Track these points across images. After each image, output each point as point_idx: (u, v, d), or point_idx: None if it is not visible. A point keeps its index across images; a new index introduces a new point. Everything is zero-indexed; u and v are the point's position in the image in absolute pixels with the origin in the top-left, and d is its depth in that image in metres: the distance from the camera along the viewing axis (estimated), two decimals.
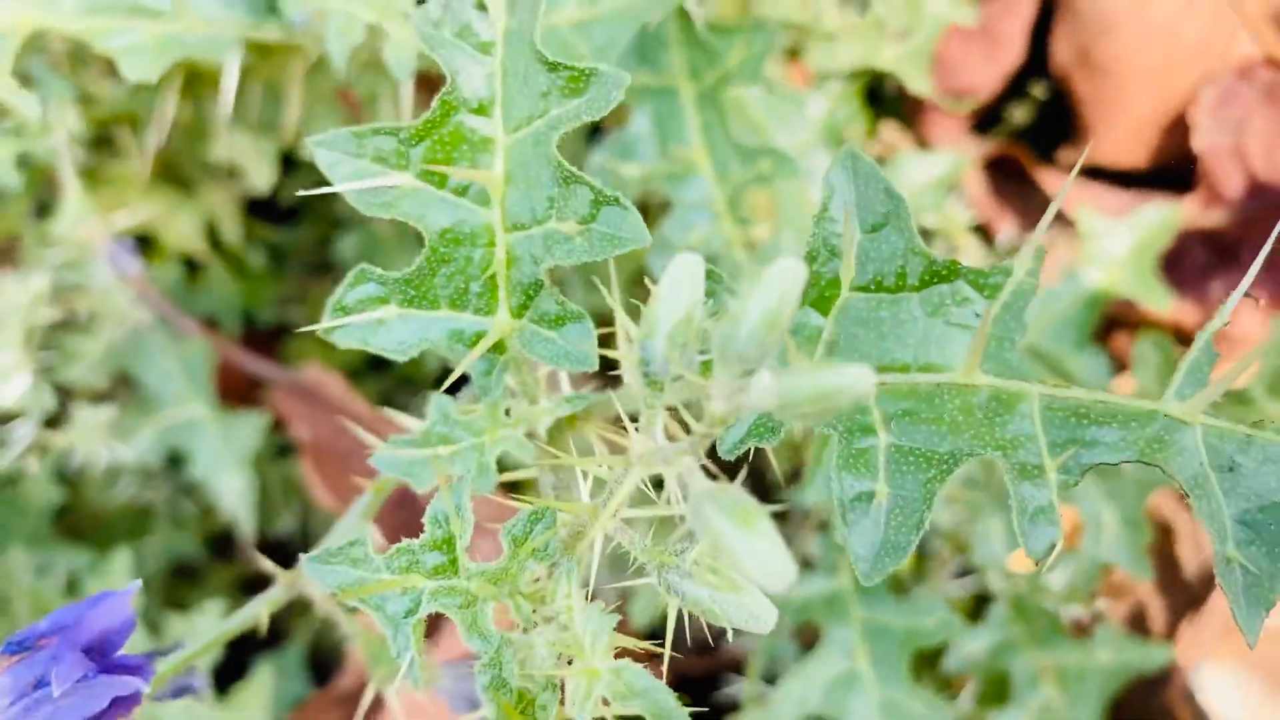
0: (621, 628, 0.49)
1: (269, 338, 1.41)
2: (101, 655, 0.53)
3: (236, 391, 1.28)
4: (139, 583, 0.56)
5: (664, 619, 0.48)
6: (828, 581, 0.95)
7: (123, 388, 1.25)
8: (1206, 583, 1.21)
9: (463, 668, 0.70)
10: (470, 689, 0.70)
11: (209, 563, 1.42)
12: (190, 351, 1.15)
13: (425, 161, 0.54)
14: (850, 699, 0.92)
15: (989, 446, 0.51)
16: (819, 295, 0.54)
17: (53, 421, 1.10)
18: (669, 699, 0.44)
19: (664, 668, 0.46)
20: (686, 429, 0.48)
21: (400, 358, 0.56)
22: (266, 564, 0.66)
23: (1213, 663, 1.12)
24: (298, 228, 1.42)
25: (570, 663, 0.47)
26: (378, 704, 0.77)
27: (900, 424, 0.52)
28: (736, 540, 0.37)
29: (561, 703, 0.48)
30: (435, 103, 0.54)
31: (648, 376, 0.42)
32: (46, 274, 1.04)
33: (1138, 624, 1.25)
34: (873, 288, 0.54)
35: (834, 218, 0.54)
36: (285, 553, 1.39)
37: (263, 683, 1.09)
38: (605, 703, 0.46)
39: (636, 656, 0.48)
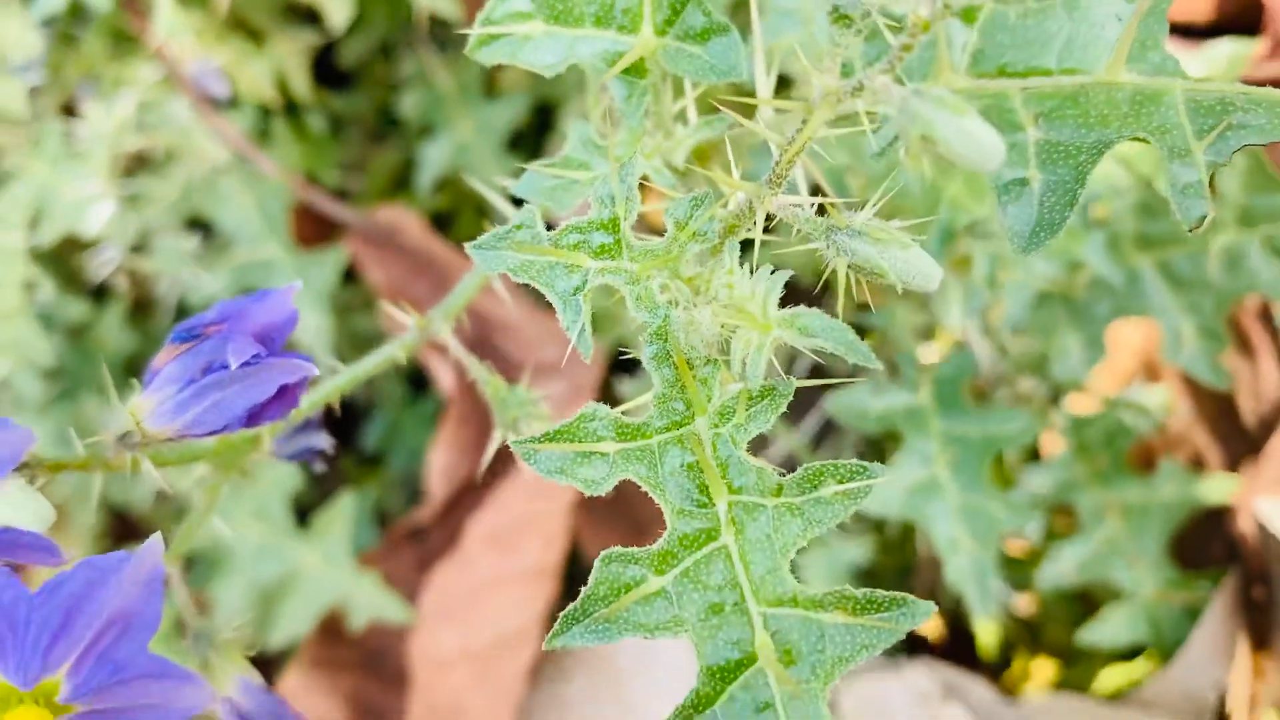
0: None
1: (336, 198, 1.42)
2: (266, 349, 0.55)
3: (309, 238, 1.29)
4: (300, 283, 0.57)
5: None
6: (910, 395, 0.96)
7: (199, 230, 1.27)
8: (1265, 430, 1.23)
9: None
10: None
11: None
12: (266, 192, 1.16)
13: None
14: (930, 504, 0.94)
15: (1138, 132, 0.52)
16: (965, 7, 0.56)
17: (137, 251, 1.12)
18: (848, 332, 0.46)
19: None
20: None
21: (548, 73, 0.58)
22: (441, 382, 0.67)
23: (1273, 498, 1.14)
24: (356, 94, 1.43)
25: (734, 331, 0.49)
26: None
27: (1048, 122, 0.54)
28: (950, 125, 0.38)
29: (728, 366, 0.50)
30: None
31: (837, 11, 0.44)
32: (132, 98, 1.05)
33: (1199, 471, 1.27)
34: None
35: None
36: (352, 419, 1.41)
37: (344, 511, 1.11)
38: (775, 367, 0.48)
39: None
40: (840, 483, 0.47)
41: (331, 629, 1.15)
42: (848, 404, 0.96)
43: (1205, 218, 0.50)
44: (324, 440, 0.73)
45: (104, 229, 1.06)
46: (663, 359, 0.51)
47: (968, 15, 0.56)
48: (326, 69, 1.40)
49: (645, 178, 0.61)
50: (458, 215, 1.41)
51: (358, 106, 1.44)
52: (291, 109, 1.36)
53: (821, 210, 0.50)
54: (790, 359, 1.18)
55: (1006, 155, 0.53)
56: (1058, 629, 1.32)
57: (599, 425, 0.49)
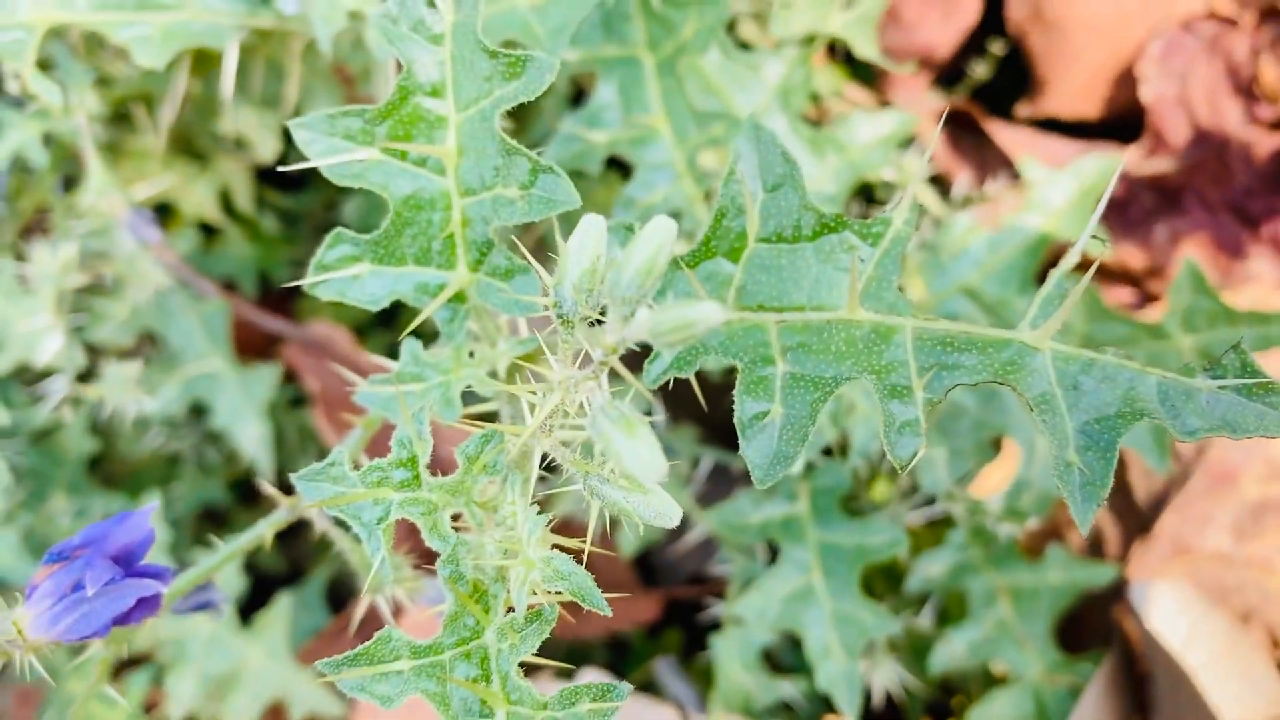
0: (565, 530, 0.59)
1: (283, 297, 1.51)
2: (127, 564, 0.64)
3: (252, 347, 1.39)
4: (156, 503, 0.66)
5: (610, 525, 0.58)
6: (787, 506, 1.04)
7: (147, 346, 1.36)
8: (1155, 509, 1.30)
9: None
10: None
11: (235, 506, 1.53)
12: (209, 311, 1.25)
13: (388, 138, 0.63)
14: (806, 611, 1.01)
15: (866, 371, 0.60)
16: (730, 247, 0.63)
17: (84, 377, 1.21)
18: (587, 580, 0.54)
19: (584, 559, 0.56)
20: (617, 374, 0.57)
21: (373, 308, 0.66)
22: (268, 488, 0.76)
23: (1158, 581, 1.20)
24: (306, 193, 1.52)
25: (513, 558, 0.57)
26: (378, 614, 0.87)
27: (795, 354, 0.61)
28: (621, 444, 0.46)
29: (508, 592, 0.58)
30: (394, 87, 0.63)
31: (560, 316, 0.52)
32: (74, 242, 1.14)
33: (1094, 549, 1.34)
34: (774, 239, 0.63)
35: (739, 179, 0.62)
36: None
37: (282, 610, 1.20)
38: (535, 592, 0.56)
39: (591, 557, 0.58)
40: (594, 701, 0.55)
41: (277, 717, 1.25)
42: (728, 516, 1.04)
43: (916, 454, 0.57)
44: (219, 595, 0.82)
45: (53, 359, 1.15)
46: (455, 579, 0.59)
47: (733, 254, 0.63)
48: (279, 171, 1.49)
49: (468, 387, 0.69)
50: (405, 307, 1.49)
51: (308, 204, 1.53)
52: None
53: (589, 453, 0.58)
54: (696, 460, 1.26)
55: (755, 389, 0.61)
56: (976, 690, 1.39)
57: (395, 645, 0.57)
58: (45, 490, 1.35)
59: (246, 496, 1.56)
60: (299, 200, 1.51)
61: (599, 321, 0.54)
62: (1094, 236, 0.60)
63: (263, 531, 0.75)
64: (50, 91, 0.84)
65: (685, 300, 0.50)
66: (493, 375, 0.70)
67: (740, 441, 0.59)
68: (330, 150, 0.63)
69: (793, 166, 0.62)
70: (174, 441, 1.39)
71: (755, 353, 0.62)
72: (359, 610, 0.79)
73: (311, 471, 0.60)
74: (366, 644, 0.57)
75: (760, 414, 0.60)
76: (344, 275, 0.66)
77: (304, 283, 0.65)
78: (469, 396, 0.71)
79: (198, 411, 1.37)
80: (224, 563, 0.73)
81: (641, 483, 0.54)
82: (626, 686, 0.55)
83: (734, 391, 0.60)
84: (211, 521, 1.54)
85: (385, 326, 1.52)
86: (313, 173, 1.59)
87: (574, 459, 0.57)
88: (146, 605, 0.64)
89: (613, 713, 0.55)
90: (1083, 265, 1.08)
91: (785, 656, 1.40)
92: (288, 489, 1.42)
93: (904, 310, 0.61)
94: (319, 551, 1.51)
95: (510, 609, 0.58)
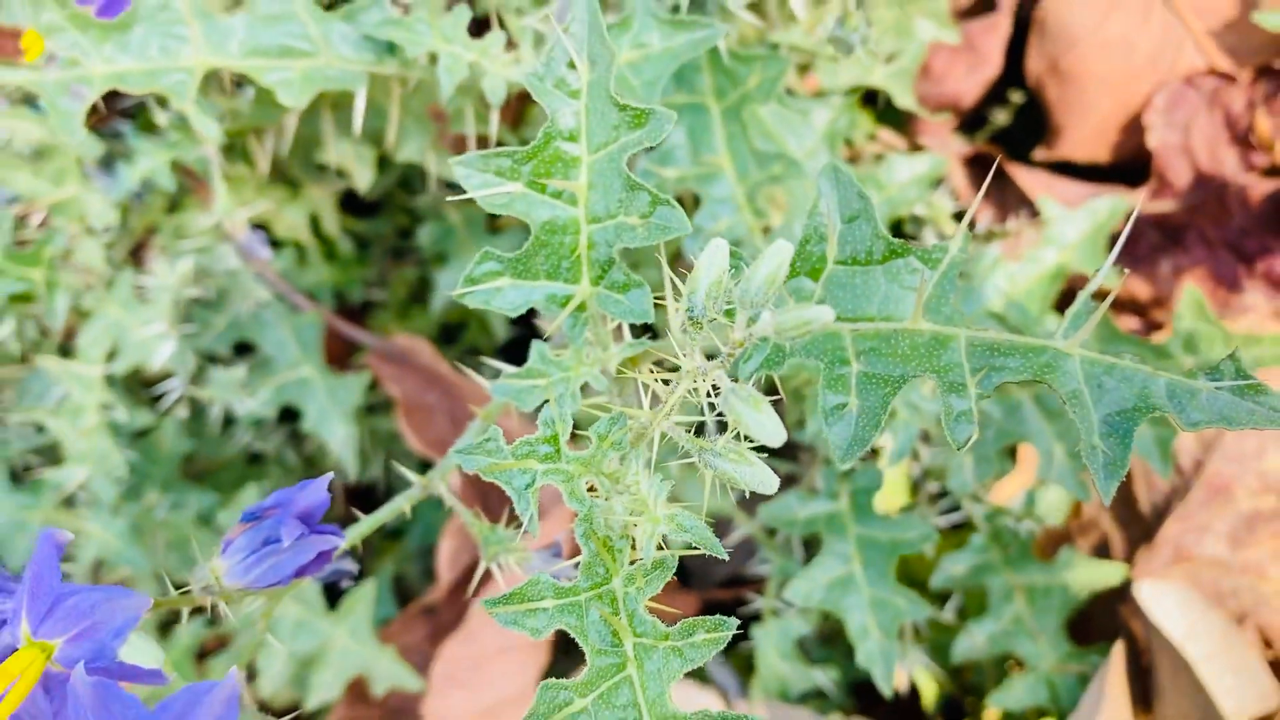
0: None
1: (356, 313, 1.65)
2: (308, 524, 0.76)
3: (334, 357, 1.52)
4: (332, 474, 0.79)
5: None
6: (830, 504, 1.17)
7: (240, 354, 1.49)
8: (1157, 518, 1.43)
9: (548, 552, 0.92)
10: (554, 568, 0.92)
11: None
12: (302, 322, 1.39)
13: (532, 174, 0.77)
14: (846, 597, 1.14)
15: (929, 371, 0.73)
16: (811, 268, 0.77)
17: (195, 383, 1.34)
18: (707, 531, 0.67)
19: (703, 513, 0.68)
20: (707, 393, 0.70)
21: (513, 314, 0.79)
22: (407, 472, 0.89)
23: (1160, 583, 1.33)
24: (379, 219, 1.65)
25: (638, 518, 0.70)
26: (470, 587, 1.00)
27: (867, 357, 0.74)
28: (750, 416, 0.59)
29: (633, 547, 0.71)
30: (540, 133, 0.76)
31: (691, 318, 0.65)
32: (190, 258, 1.27)
33: (1102, 553, 1.47)
34: (849, 262, 0.76)
35: (822, 212, 0.76)
36: (373, 494, 1.63)
37: (366, 594, 1.32)
38: (661, 547, 0.68)
39: None
40: (708, 632, 0.68)
41: (358, 693, 1.37)
42: (778, 512, 1.17)
43: (970, 439, 0.70)
44: (352, 565, 0.94)
45: (166, 363, 1.28)
46: (589, 536, 0.72)
47: (814, 273, 0.76)
48: (353, 198, 1.63)
49: (584, 384, 0.82)
50: (465, 326, 1.63)
51: (379, 229, 1.66)
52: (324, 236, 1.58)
53: (700, 431, 0.71)
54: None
55: (834, 385, 0.74)
56: (990, 685, 1.52)
57: (542, 587, 0.70)
58: (142, 485, 1.47)
59: None
60: (372, 225, 1.64)
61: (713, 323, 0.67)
62: (1115, 265, 0.73)
63: (400, 505, 0.87)
64: (208, 127, 0.97)
65: (804, 304, 0.63)
66: (603, 372, 0.83)
67: (824, 428, 0.72)
68: (484, 184, 0.76)
69: (866, 202, 0.75)
70: (258, 442, 1.52)
71: (833, 355, 0.75)
72: (478, 574, 0.91)
73: (469, 445, 0.73)
74: (519, 586, 0.70)
75: (840, 405, 0.73)
76: (488, 287, 0.79)
77: (455, 293, 0.78)
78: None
79: (285, 415, 1.50)
80: (368, 530, 0.86)
81: (749, 456, 0.67)
82: (734, 621, 0.68)
83: (817, 387, 0.73)
84: None
85: (448, 343, 1.65)
86: (386, 200, 1.72)
87: (690, 436, 0.70)
88: (323, 558, 0.76)
89: (724, 642, 0.68)
90: (1100, 294, 1.21)
91: (815, 651, 1.53)
92: (361, 491, 1.55)
93: (958, 321, 0.74)
94: (381, 553, 1.63)
95: (633, 561, 0.70)
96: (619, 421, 0.73)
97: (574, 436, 0.74)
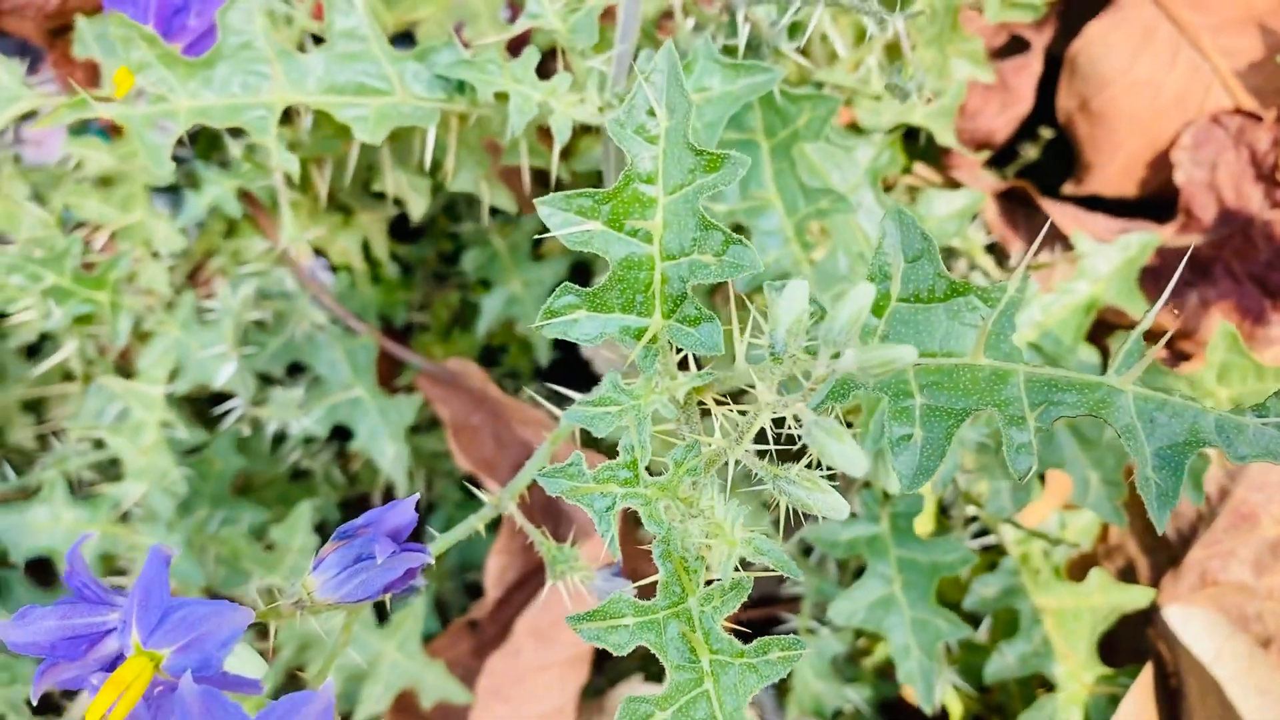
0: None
1: (400, 335, 1.69)
2: (395, 541, 0.80)
3: (380, 377, 1.56)
4: (418, 494, 0.83)
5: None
6: (872, 527, 1.21)
7: (291, 373, 1.53)
8: (1184, 544, 1.46)
9: (610, 571, 0.96)
10: (615, 586, 0.96)
11: (335, 524, 1.70)
12: (355, 345, 1.43)
13: (611, 214, 0.81)
14: (888, 617, 1.18)
15: (990, 404, 0.77)
16: (876, 304, 0.81)
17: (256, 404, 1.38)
18: (783, 554, 0.71)
19: (780, 537, 0.72)
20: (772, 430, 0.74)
21: (589, 344, 0.83)
22: (481, 493, 0.93)
23: (1187, 607, 1.37)
24: (423, 244, 1.70)
25: (712, 541, 0.74)
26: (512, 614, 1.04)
27: (930, 390, 0.78)
28: (833, 447, 0.63)
29: (707, 568, 0.75)
30: (620, 176, 0.80)
31: (773, 354, 0.69)
32: (252, 282, 1.32)
33: (1128, 577, 1.50)
34: (912, 299, 0.80)
35: (886, 251, 0.80)
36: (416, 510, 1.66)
37: (416, 610, 1.36)
38: (738, 568, 0.72)
39: None
40: (782, 650, 0.72)
41: (406, 705, 1.40)
42: (823, 534, 1.21)
43: (1031, 470, 0.74)
44: (421, 581, 0.98)
45: (227, 383, 1.33)
46: (666, 556, 0.76)
47: (878, 310, 0.81)
48: (398, 224, 1.67)
49: (655, 413, 0.86)
50: (507, 349, 1.67)
51: (423, 253, 1.71)
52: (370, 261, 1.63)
53: (770, 457, 0.75)
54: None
55: (899, 416, 0.78)
56: (1016, 706, 1.55)
57: (623, 605, 0.74)
58: (193, 501, 1.51)
59: (350, 514, 1.73)
60: (416, 251, 1.69)
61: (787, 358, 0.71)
62: (1153, 301, 0.77)
63: (474, 524, 0.91)
64: (290, 162, 1.02)
65: (886, 345, 0.67)
66: (671, 401, 0.87)
67: (890, 457, 0.76)
68: (566, 223, 0.81)
69: (929, 243, 0.79)
70: (306, 459, 1.56)
71: (898, 388, 0.79)
72: (543, 594, 0.95)
73: (552, 470, 0.77)
74: (602, 604, 0.74)
75: (905, 436, 0.77)
76: (566, 319, 0.83)
77: (536, 325, 0.83)
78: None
79: (332, 433, 1.54)
80: (444, 547, 0.90)
81: (822, 485, 0.71)
82: (804, 642, 0.72)
83: (883, 417, 0.78)
84: (319, 533, 1.70)
85: (489, 365, 1.69)
86: (429, 227, 1.77)
87: (766, 464, 0.74)
88: (410, 575, 0.80)
89: (797, 659, 0.72)
90: (1134, 326, 1.25)
91: (844, 670, 1.56)
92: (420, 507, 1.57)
93: (1017, 358, 0.78)
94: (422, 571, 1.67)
95: (709, 581, 0.75)
96: (694, 449, 0.77)
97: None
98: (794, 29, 1.14)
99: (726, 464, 0.76)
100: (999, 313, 0.79)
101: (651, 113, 0.80)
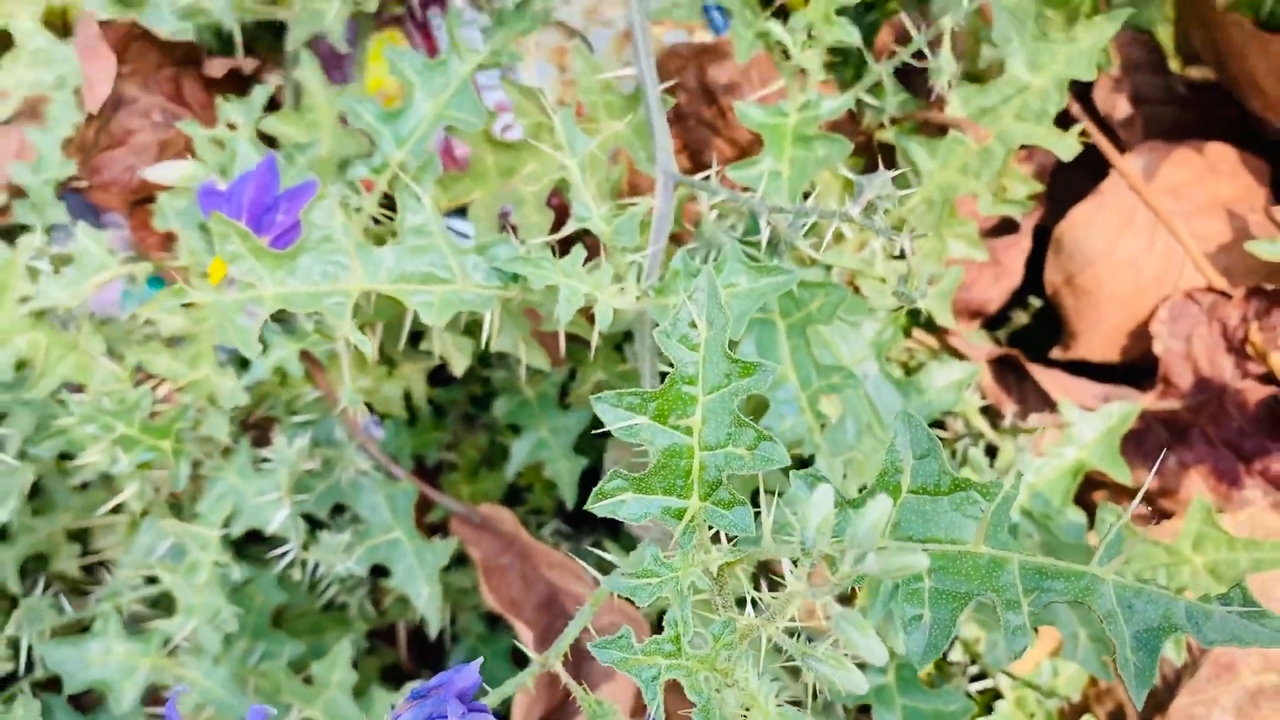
0: None
1: (431, 474, 1.80)
2: (462, 702, 0.90)
3: (415, 515, 1.66)
4: (481, 659, 0.93)
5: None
6: (880, 678, 1.30)
7: (333, 514, 1.63)
8: (1169, 691, 1.56)
9: None
10: None
11: (363, 654, 1.78)
12: (396, 490, 1.54)
13: (657, 410, 0.93)
14: None
15: (989, 589, 0.88)
16: (893, 488, 0.92)
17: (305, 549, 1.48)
18: None
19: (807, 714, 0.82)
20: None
21: (635, 522, 0.94)
22: (530, 652, 1.02)
23: None
24: (455, 389, 1.82)
25: (748, 711, 0.84)
26: None
27: (937, 574, 0.89)
28: (858, 639, 0.74)
29: None
30: (667, 379, 0.92)
31: (804, 549, 0.80)
32: (307, 434, 1.43)
33: None
34: (920, 491, 0.92)
35: (898, 450, 0.92)
36: (439, 645, 1.75)
37: None
38: None
39: None
40: None
41: None
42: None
43: (1025, 648, 0.85)
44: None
45: (278, 528, 1.43)
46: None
47: (894, 495, 0.92)
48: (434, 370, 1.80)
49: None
50: (532, 489, 1.78)
51: (454, 396, 1.83)
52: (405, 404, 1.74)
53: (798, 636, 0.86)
54: None
55: (911, 598, 0.88)
56: None
57: None
58: (235, 634, 1.60)
59: (372, 648, 1.81)
60: (448, 394, 1.81)
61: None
62: (1134, 467, 0.89)
63: (524, 680, 1.01)
64: (365, 344, 1.14)
65: (907, 551, 0.78)
66: (706, 573, 0.98)
67: (902, 635, 0.87)
68: (617, 418, 0.93)
69: (935, 444, 0.91)
70: (343, 595, 1.65)
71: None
72: None
73: (604, 641, 0.87)
74: None
75: (916, 616, 0.88)
76: (614, 500, 0.94)
77: (589, 506, 0.94)
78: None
79: (372, 572, 1.64)
80: (497, 701, 0.99)
81: (846, 664, 0.81)
82: None
83: (897, 600, 0.88)
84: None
85: (514, 504, 1.80)
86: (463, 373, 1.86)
87: (796, 644, 0.84)
88: None
89: None
90: (1117, 487, 1.37)
91: None
92: (424, 639, 1.66)
93: (1013, 547, 0.89)
94: None
95: None
96: (730, 626, 0.88)
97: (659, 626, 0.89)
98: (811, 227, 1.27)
99: (759, 638, 0.87)
100: (995, 506, 0.90)
101: (693, 324, 0.93)
